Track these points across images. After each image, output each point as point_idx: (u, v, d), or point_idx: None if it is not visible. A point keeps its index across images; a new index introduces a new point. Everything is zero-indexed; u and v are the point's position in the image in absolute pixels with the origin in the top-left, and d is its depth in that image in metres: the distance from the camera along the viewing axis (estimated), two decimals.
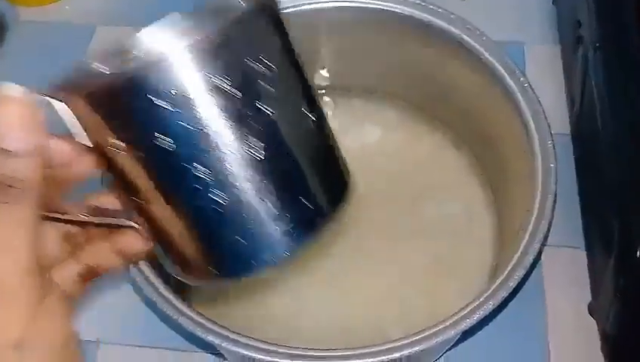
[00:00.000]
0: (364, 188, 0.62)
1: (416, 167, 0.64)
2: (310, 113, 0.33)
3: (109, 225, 0.37)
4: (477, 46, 0.56)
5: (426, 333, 0.42)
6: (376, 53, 0.62)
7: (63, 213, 0.35)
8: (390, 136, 0.65)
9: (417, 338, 0.42)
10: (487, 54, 0.55)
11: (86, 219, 0.36)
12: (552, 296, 0.59)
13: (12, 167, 0.30)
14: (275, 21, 0.33)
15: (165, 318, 0.51)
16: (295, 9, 0.59)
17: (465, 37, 0.56)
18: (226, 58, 0.29)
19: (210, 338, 0.43)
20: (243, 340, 0.43)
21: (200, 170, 0.30)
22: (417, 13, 0.57)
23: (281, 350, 0.44)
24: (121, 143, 0.30)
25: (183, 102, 0.29)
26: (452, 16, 0.57)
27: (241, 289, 0.58)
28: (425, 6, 0.57)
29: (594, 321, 0.57)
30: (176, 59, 0.28)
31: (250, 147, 0.30)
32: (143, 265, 0.47)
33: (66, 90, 0.31)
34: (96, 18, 0.79)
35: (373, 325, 0.56)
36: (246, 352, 0.43)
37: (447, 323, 0.43)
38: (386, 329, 0.56)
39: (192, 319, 0.45)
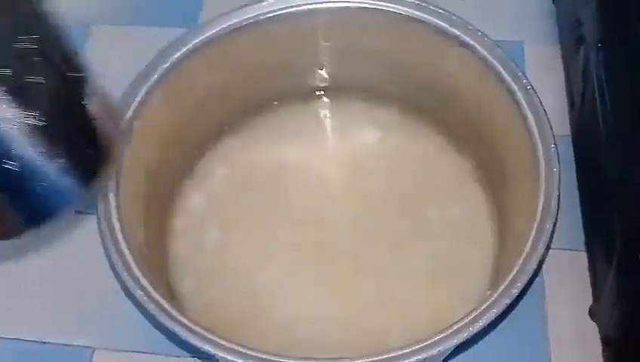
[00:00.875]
0: (363, 191, 0.63)
1: (417, 169, 0.63)
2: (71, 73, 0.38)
3: None
4: (479, 47, 0.56)
5: (428, 342, 0.42)
6: (376, 54, 0.62)
7: None
8: (390, 138, 0.65)
9: (419, 346, 0.42)
10: (489, 56, 0.55)
11: None
12: (553, 299, 0.59)
13: None
14: None
15: (159, 325, 0.50)
16: (295, 9, 0.59)
17: (466, 38, 0.56)
18: None
19: (207, 347, 0.43)
20: (240, 349, 0.43)
21: None
22: (418, 14, 0.58)
23: (278, 359, 0.43)
24: None
25: None
26: (453, 17, 0.57)
27: (239, 294, 0.58)
28: (425, 7, 0.57)
29: (595, 325, 0.56)
30: None
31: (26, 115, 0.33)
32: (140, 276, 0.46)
33: None
34: (91, 17, 0.79)
35: (374, 329, 0.56)
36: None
37: (449, 332, 0.42)
38: (387, 333, 0.55)
39: (187, 328, 0.44)
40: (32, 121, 0.34)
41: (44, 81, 0.35)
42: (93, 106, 0.38)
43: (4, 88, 0.33)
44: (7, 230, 0.38)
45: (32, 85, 0.34)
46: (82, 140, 0.37)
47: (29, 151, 0.34)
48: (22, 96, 0.34)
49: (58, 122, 0.35)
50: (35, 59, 0.35)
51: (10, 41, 0.34)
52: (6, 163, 0.34)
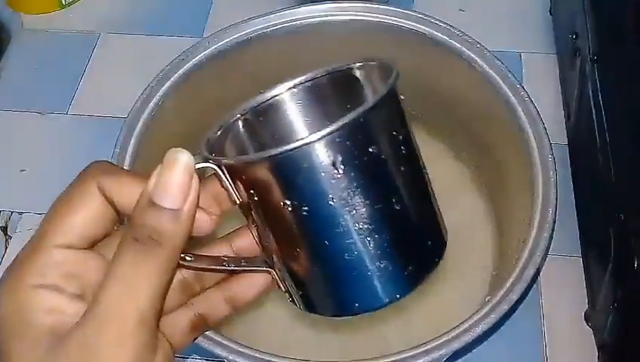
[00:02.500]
0: None
1: None
2: (424, 169, 0.38)
3: (243, 271, 0.39)
4: (477, 59, 0.56)
5: (427, 347, 0.43)
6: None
7: (201, 263, 0.37)
8: None
9: (418, 351, 0.43)
10: (488, 69, 0.56)
11: (227, 268, 0.38)
12: (549, 304, 0.60)
13: (159, 221, 0.32)
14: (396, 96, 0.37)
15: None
16: (301, 22, 0.60)
17: (465, 50, 0.57)
18: (373, 130, 0.34)
19: (217, 351, 0.44)
20: (248, 352, 0.44)
21: (352, 223, 0.34)
22: (418, 27, 0.58)
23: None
24: (287, 200, 0.34)
25: (346, 169, 0.33)
26: (453, 30, 0.57)
27: None
28: (426, 20, 0.58)
29: (590, 329, 0.57)
30: (340, 135, 0.33)
31: (393, 201, 0.35)
32: None
33: (238, 162, 0.35)
34: (101, 26, 0.80)
35: (374, 335, 0.57)
36: None
37: (448, 338, 0.43)
38: (387, 338, 0.56)
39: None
40: (396, 206, 0.35)
41: (407, 171, 0.36)
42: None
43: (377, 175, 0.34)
44: (326, 308, 0.38)
45: (402, 173, 0.35)
46: (425, 233, 0.37)
47: (387, 236, 0.35)
48: (394, 181, 0.35)
49: (414, 212, 0.36)
50: (402, 148, 0.36)
51: (388, 131, 0.35)
52: (357, 246, 0.34)
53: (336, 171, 0.33)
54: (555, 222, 0.48)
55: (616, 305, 0.52)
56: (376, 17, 0.59)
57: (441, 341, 0.43)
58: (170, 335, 0.37)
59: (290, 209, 0.34)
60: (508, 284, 0.45)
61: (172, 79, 0.57)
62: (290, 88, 0.41)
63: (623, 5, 0.60)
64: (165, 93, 0.56)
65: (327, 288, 0.37)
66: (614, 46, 0.58)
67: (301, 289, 0.37)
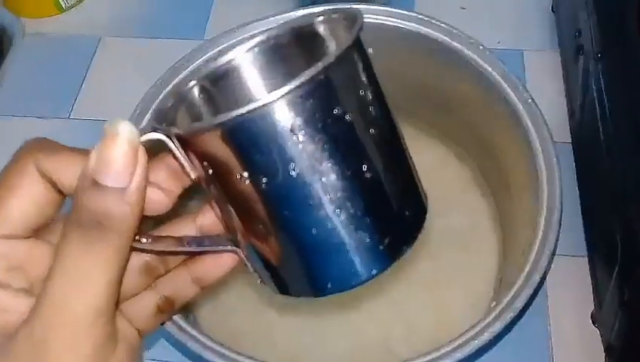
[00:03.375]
0: None
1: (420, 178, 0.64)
2: (399, 132, 0.35)
3: (207, 252, 0.36)
4: (480, 61, 0.56)
5: (432, 356, 0.43)
6: (379, 66, 0.62)
7: (158, 245, 0.34)
8: None
9: (424, 360, 0.43)
10: (490, 69, 0.55)
11: (187, 249, 0.35)
12: (555, 304, 0.60)
13: (104, 203, 0.29)
14: (362, 47, 0.34)
15: (168, 337, 0.51)
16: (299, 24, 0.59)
17: (467, 51, 0.56)
18: (337, 89, 0.31)
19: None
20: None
21: (318, 194, 0.31)
22: (419, 28, 0.58)
23: None
24: (245, 172, 0.31)
25: (306, 133, 0.30)
26: (454, 30, 0.57)
27: (246, 304, 0.59)
28: (427, 21, 0.57)
29: (597, 330, 0.57)
30: (297, 94, 0.30)
31: (362, 169, 0.32)
32: None
33: (187, 131, 0.32)
34: (101, 29, 0.80)
35: (379, 341, 0.57)
36: None
37: (455, 345, 0.43)
38: (392, 345, 0.56)
39: (199, 342, 0.45)
40: (366, 175, 0.32)
41: (376, 134, 0.33)
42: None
43: (344, 136, 0.31)
44: (301, 291, 0.35)
45: (371, 137, 0.32)
46: (402, 200, 0.34)
47: (359, 207, 0.32)
48: (362, 146, 0.32)
49: (387, 180, 0.33)
50: (373, 111, 0.33)
51: (354, 89, 0.32)
52: (333, 215, 0.32)
53: (295, 137, 0.30)
54: (560, 225, 0.48)
55: (623, 306, 0.51)
56: (376, 19, 0.58)
57: (445, 350, 0.43)
58: (135, 319, 0.35)
59: (248, 181, 0.31)
60: (514, 290, 0.45)
61: (173, 83, 0.57)
62: (249, 50, 0.38)
63: (627, 1, 0.59)
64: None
65: (296, 267, 0.34)
66: (618, 43, 0.58)
67: (269, 270, 0.34)
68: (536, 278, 0.45)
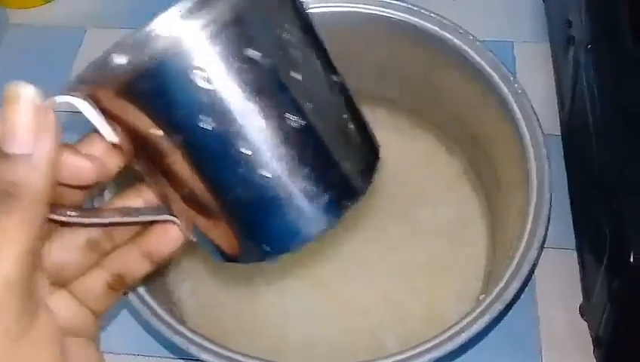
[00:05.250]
0: None
1: (410, 171, 0.64)
2: (335, 76, 0.32)
3: (143, 223, 0.35)
4: (470, 51, 0.56)
5: (423, 348, 0.43)
6: (369, 57, 0.62)
7: (88, 217, 0.33)
8: (383, 140, 0.64)
9: (413, 353, 0.42)
10: (480, 60, 0.55)
11: (118, 220, 0.33)
12: (543, 297, 0.60)
13: (10, 170, 0.28)
14: None
15: (156, 334, 0.51)
16: None
17: (457, 42, 0.56)
18: (250, 28, 0.29)
19: (204, 356, 0.43)
20: (237, 357, 0.44)
21: (240, 149, 0.29)
22: (409, 18, 0.58)
23: None
24: (158, 130, 0.29)
25: (217, 79, 0.28)
26: (444, 21, 0.57)
27: (234, 296, 0.59)
28: (417, 11, 0.57)
29: (585, 323, 0.57)
30: (201, 35, 0.28)
31: (286, 117, 0.29)
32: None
33: (91, 86, 0.30)
34: (87, 20, 0.79)
35: (369, 332, 0.56)
36: None
37: (445, 336, 0.43)
38: (381, 336, 0.56)
39: (185, 336, 0.45)
40: (292, 123, 0.29)
41: (301, 78, 0.30)
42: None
43: (262, 79, 0.29)
44: (235, 252, 0.33)
45: (294, 81, 0.30)
46: (341, 152, 0.32)
47: (284, 158, 0.29)
48: (283, 92, 0.29)
49: (320, 127, 0.30)
50: (297, 52, 0.30)
51: (275, 30, 0.30)
52: (258, 170, 0.29)
53: (203, 84, 0.28)
54: (549, 217, 0.48)
55: (612, 299, 0.51)
56: (366, 9, 0.58)
57: (434, 343, 0.43)
58: (85, 299, 0.34)
59: (165, 142, 0.29)
60: (502, 283, 0.45)
61: None
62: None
63: None
64: None
65: (231, 230, 0.31)
66: (609, 33, 0.57)
67: (208, 237, 0.32)
68: (525, 270, 0.45)
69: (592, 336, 0.56)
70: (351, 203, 0.32)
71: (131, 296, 0.47)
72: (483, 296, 0.46)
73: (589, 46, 0.58)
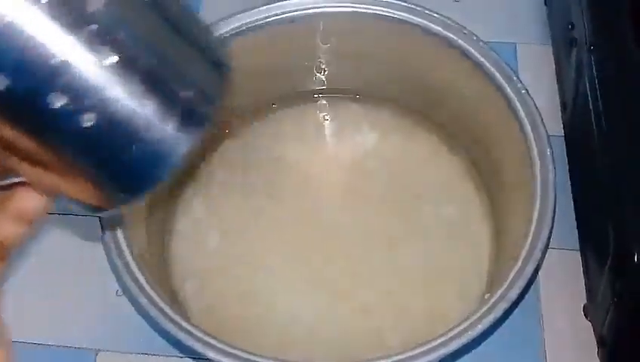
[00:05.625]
0: (360, 192, 0.64)
1: (413, 171, 0.64)
2: None
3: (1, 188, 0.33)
4: (474, 52, 0.56)
5: (427, 347, 0.42)
6: (373, 57, 0.62)
7: None
8: (387, 140, 0.65)
9: (420, 350, 0.42)
10: (483, 60, 0.55)
11: None
12: (547, 297, 0.59)
13: None
14: None
15: (161, 330, 0.51)
16: (292, 14, 0.59)
17: (461, 42, 0.56)
18: None
19: (210, 354, 0.43)
20: (243, 355, 0.44)
21: (61, 96, 0.27)
22: (413, 18, 0.58)
23: None
24: None
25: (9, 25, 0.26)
26: (448, 21, 0.57)
27: (239, 295, 0.59)
28: (420, 11, 0.57)
29: (589, 323, 0.57)
30: None
31: (101, 51, 0.27)
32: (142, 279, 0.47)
33: None
34: None
35: (371, 329, 0.56)
36: None
37: (449, 336, 0.43)
38: (383, 335, 0.56)
39: (190, 333, 0.45)
40: (107, 56, 0.27)
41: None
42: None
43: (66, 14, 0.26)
44: (102, 202, 0.31)
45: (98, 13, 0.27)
46: (182, 75, 0.30)
47: (112, 95, 0.27)
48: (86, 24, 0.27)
49: (144, 53, 0.28)
50: None
51: None
52: (80, 116, 0.27)
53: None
54: (554, 218, 0.48)
55: (615, 299, 0.51)
56: (369, 8, 0.58)
57: (438, 342, 0.43)
58: None
59: None
60: (507, 282, 0.45)
61: None
62: None
63: None
64: None
65: (85, 179, 0.30)
66: (611, 35, 0.57)
67: (70, 191, 0.31)
68: (530, 270, 0.45)
69: (595, 336, 0.56)
70: (207, 109, 0.30)
71: (140, 298, 0.47)
72: (488, 295, 0.46)
73: (592, 48, 0.58)
